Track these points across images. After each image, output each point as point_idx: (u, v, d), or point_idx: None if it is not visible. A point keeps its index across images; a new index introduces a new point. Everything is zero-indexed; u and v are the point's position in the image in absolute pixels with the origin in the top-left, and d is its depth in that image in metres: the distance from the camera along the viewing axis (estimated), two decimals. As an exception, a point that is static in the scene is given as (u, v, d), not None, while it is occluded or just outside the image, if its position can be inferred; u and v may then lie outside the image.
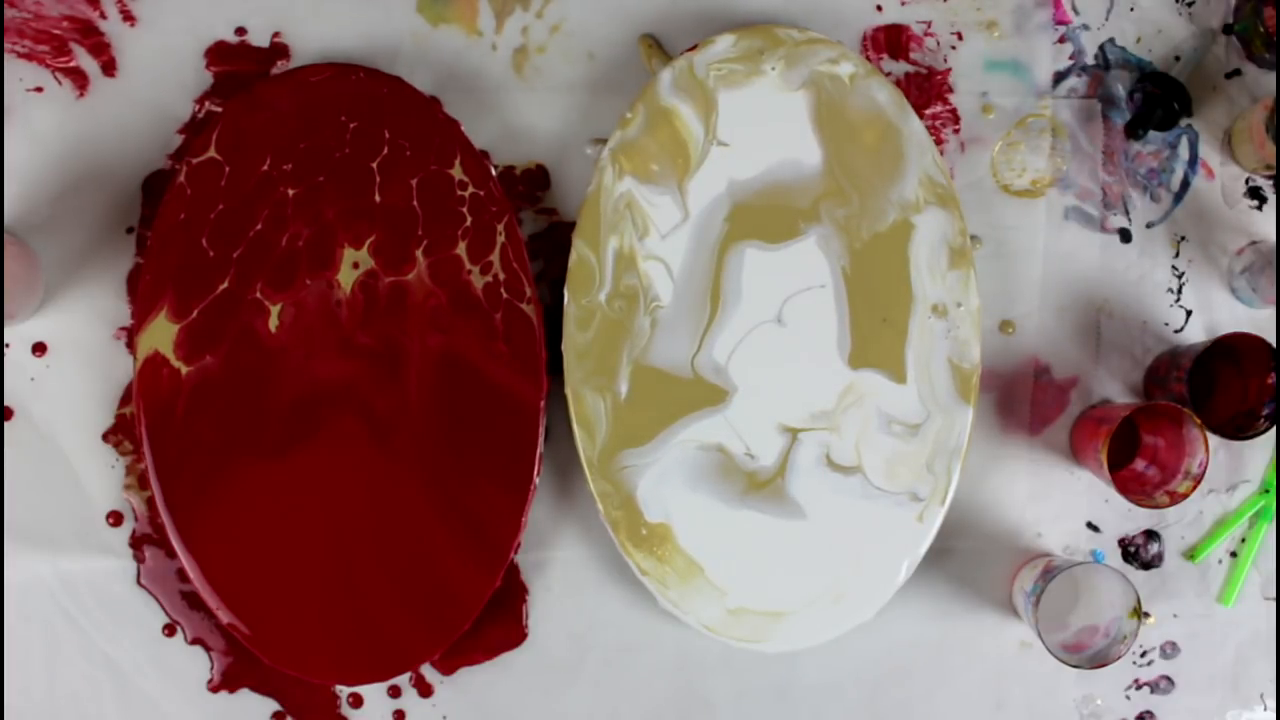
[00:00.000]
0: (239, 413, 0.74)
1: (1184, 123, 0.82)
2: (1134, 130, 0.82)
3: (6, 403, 0.77)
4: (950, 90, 0.82)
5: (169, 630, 0.77)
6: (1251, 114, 0.80)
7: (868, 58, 0.81)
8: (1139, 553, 0.81)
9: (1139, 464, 0.80)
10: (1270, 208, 0.83)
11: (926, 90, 0.81)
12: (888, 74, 0.80)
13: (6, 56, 0.77)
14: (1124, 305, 0.82)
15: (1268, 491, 0.82)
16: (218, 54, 0.78)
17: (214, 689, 0.78)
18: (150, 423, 0.74)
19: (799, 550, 0.76)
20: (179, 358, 0.74)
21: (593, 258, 0.75)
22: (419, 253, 0.75)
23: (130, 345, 0.77)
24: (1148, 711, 0.81)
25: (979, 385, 0.77)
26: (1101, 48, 0.82)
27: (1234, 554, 0.82)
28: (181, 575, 0.76)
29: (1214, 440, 0.79)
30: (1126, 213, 0.82)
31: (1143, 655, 0.81)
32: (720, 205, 0.76)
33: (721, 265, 0.76)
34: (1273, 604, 0.82)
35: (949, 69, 0.82)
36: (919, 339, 0.77)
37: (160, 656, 0.77)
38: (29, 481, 0.77)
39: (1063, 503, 0.81)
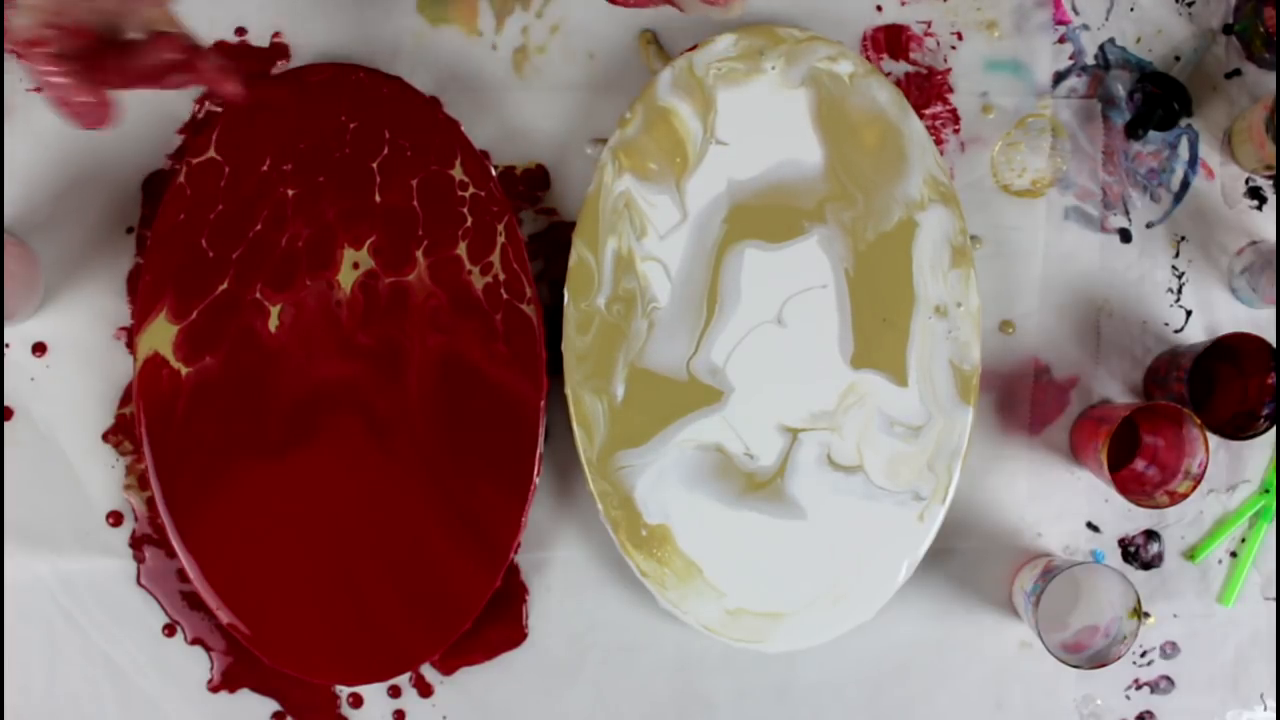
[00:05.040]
0: (239, 413, 0.74)
1: (1184, 123, 0.82)
2: (1134, 130, 0.82)
3: (6, 403, 0.77)
4: (950, 90, 0.82)
5: (169, 630, 0.77)
6: (1251, 114, 0.80)
7: (868, 58, 0.81)
8: (1139, 553, 0.81)
9: (1139, 464, 0.80)
10: (1270, 208, 0.83)
11: (926, 90, 0.81)
12: (888, 74, 0.80)
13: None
14: (1124, 305, 0.82)
15: (1268, 491, 0.82)
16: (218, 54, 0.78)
17: (214, 689, 0.78)
18: (150, 423, 0.74)
19: (799, 550, 0.76)
20: (179, 359, 0.74)
21: (592, 259, 0.75)
22: (419, 253, 0.75)
23: (130, 345, 0.77)
24: (1148, 711, 0.81)
25: (979, 385, 0.77)
26: (1101, 48, 0.82)
27: (1234, 554, 0.82)
28: (181, 575, 0.76)
29: (1214, 440, 0.79)
30: (1126, 213, 0.82)
31: (1143, 655, 0.81)
32: (719, 205, 0.76)
33: (720, 266, 0.76)
34: (1273, 604, 0.82)
35: (949, 69, 0.82)
36: (920, 340, 0.77)
37: (160, 656, 0.77)
38: (29, 481, 0.77)
39: (1063, 503, 0.81)
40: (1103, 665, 0.74)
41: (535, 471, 0.74)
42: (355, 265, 0.75)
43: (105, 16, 0.58)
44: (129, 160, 0.78)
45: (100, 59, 0.59)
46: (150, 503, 0.77)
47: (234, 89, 0.61)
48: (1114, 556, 0.81)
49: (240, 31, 0.79)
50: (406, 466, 0.74)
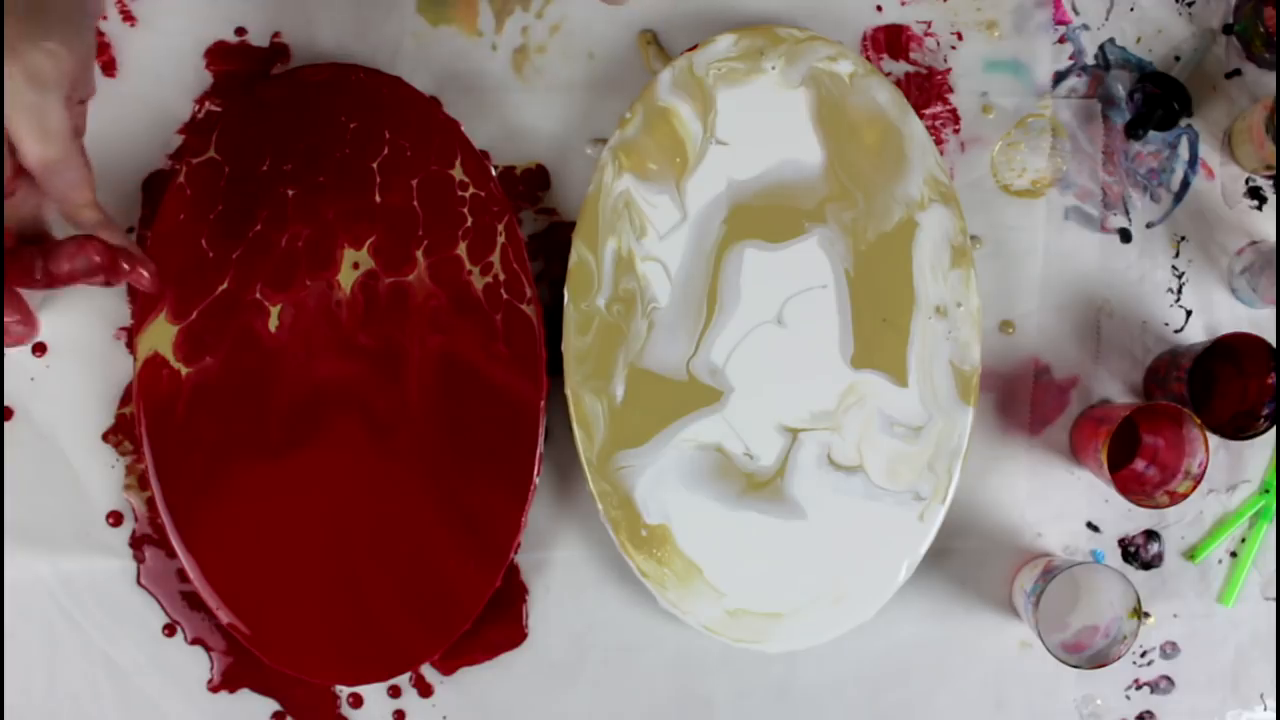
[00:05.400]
0: (239, 413, 0.74)
1: (1184, 123, 0.82)
2: (1134, 130, 0.82)
3: (6, 403, 0.77)
4: (950, 90, 0.82)
5: (169, 630, 0.77)
6: (1251, 114, 0.80)
7: (868, 58, 0.81)
8: (1139, 553, 0.81)
9: (1139, 464, 0.80)
10: (1270, 208, 0.83)
11: (926, 90, 0.81)
12: (888, 74, 0.80)
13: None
14: (1124, 305, 0.82)
15: (1268, 491, 0.82)
16: (218, 54, 0.79)
17: (214, 689, 0.78)
18: (150, 423, 0.74)
19: (799, 550, 0.76)
20: (179, 359, 0.74)
21: (592, 260, 0.75)
22: (419, 253, 0.75)
23: (130, 345, 0.77)
24: (1148, 711, 0.81)
25: (979, 385, 0.77)
26: (1101, 48, 0.82)
27: (1234, 554, 0.82)
28: (181, 575, 0.76)
29: (1214, 440, 0.79)
30: (1126, 213, 0.82)
31: (1143, 655, 0.81)
32: (719, 205, 0.76)
33: (720, 266, 0.76)
34: (1273, 604, 0.82)
35: (949, 69, 0.82)
36: (920, 340, 0.77)
37: (160, 656, 0.77)
38: (29, 481, 0.77)
39: (1063, 503, 0.81)
40: (1103, 665, 0.74)
41: (535, 471, 0.74)
42: (355, 265, 0.75)
43: (27, 212, 0.59)
44: (129, 160, 0.78)
45: (22, 264, 0.59)
46: (150, 503, 0.77)
47: (151, 283, 0.62)
48: (1114, 556, 0.81)
49: (240, 31, 0.79)
50: (406, 466, 0.74)
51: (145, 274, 0.62)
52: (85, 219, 0.60)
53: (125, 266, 0.61)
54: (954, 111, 0.82)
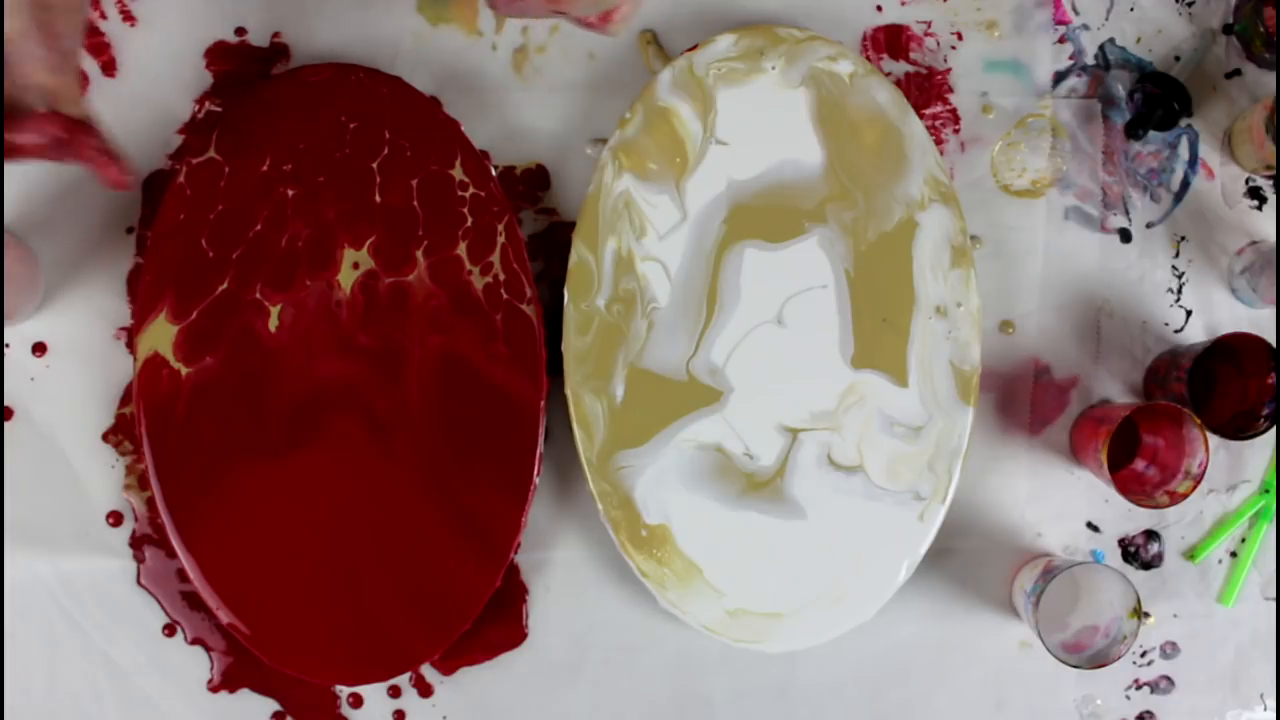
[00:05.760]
0: (239, 413, 0.74)
1: (1184, 123, 0.82)
2: (1134, 130, 0.82)
3: (6, 403, 0.77)
4: (950, 90, 0.82)
5: (169, 630, 0.77)
6: (1251, 114, 0.80)
7: (868, 58, 0.81)
8: (1139, 553, 0.81)
9: (1139, 464, 0.80)
10: (1270, 208, 0.83)
11: (926, 90, 0.81)
12: (888, 74, 0.80)
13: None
14: (1124, 305, 0.82)
15: (1268, 491, 0.82)
16: (218, 54, 0.79)
17: (214, 689, 0.78)
18: (150, 423, 0.74)
19: (799, 550, 0.76)
20: (179, 359, 0.74)
21: (592, 260, 0.75)
22: (419, 253, 0.75)
23: (130, 345, 0.77)
24: (1148, 711, 0.81)
25: (979, 385, 0.77)
26: (1101, 48, 0.82)
27: (1234, 554, 0.82)
28: (181, 575, 0.76)
29: (1214, 440, 0.79)
30: (1126, 213, 0.82)
31: (1143, 655, 0.81)
32: (719, 205, 0.76)
33: (720, 266, 0.76)
34: (1273, 604, 0.82)
35: (949, 69, 0.82)
36: (921, 340, 0.77)
37: (160, 656, 0.77)
38: (29, 481, 0.77)
39: (1063, 503, 0.81)
40: (1103, 665, 0.74)
41: (535, 471, 0.74)
42: (355, 265, 0.75)
43: (12, 89, 0.58)
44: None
45: None
46: (150, 503, 0.77)
47: (116, 174, 0.62)
48: (1114, 556, 0.81)
49: (240, 31, 0.79)
50: (406, 466, 0.74)
51: (115, 168, 0.61)
52: (59, 98, 0.59)
53: (88, 153, 0.60)
54: (954, 111, 0.82)
